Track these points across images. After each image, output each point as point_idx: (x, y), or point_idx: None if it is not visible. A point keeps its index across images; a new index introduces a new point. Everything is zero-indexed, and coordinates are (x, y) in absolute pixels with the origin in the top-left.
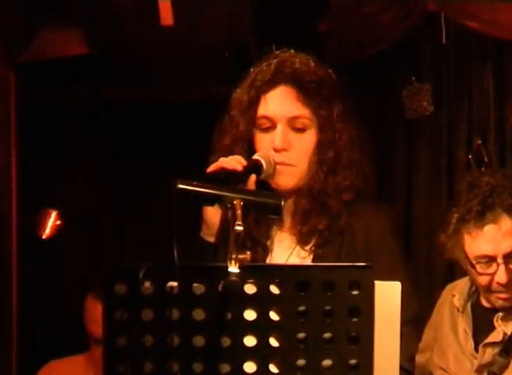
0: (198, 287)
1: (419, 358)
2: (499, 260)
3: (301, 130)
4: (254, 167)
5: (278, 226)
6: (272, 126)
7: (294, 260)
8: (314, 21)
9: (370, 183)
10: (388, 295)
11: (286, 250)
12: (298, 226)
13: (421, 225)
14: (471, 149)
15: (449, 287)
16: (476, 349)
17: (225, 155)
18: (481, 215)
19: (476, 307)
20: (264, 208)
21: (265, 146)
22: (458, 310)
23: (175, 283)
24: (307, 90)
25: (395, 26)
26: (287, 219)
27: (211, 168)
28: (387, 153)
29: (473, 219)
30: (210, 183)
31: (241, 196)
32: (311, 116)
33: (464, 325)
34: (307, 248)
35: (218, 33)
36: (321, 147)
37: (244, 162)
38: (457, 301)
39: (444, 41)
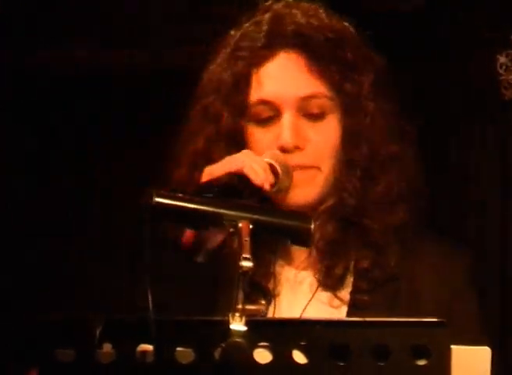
0: (184, 354)
1: None
2: None
3: (319, 117)
4: None
5: (285, 260)
6: (274, 116)
7: (316, 311)
8: None
9: (423, 195)
10: (472, 366)
11: (302, 296)
12: (325, 261)
13: None
14: None
15: None
16: None
17: (198, 165)
18: None
19: None
20: (286, 233)
21: (265, 146)
22: None
23: (149, 348)
24: (321, 55)
25: None
26: (302, 251)
27: (218, 172)
28: (469, 158)
29: None
30: (203, 196)
31: (250, 215)
32: (331, 94)
33: None
34: (341, 293)
35: None
36: (349, 139)
37: (270, 175)
38: None
39: None
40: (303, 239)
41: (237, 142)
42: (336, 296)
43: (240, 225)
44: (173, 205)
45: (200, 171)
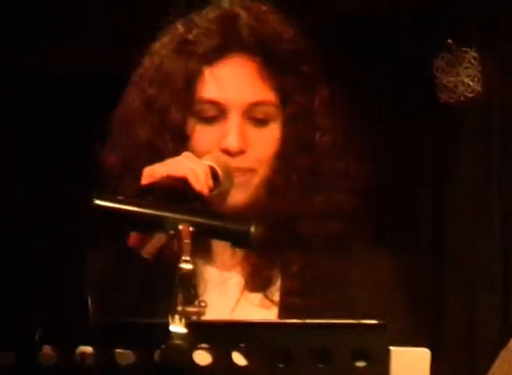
0: (124, 355)
1: None
2: None
3: (263, 122)
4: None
5: (206, 259)
6: (218, 115)
7: (246, 312)
8: None
9: (362, 207)
10: (411, 367)
11: (230, 297)
12: (252, 261)
13: (456, 275)
14: None
15: None
16: None
17: (139, 155)
18: None
19: None
20: (226, 236)
21: (208, 144)
22: None
23: (89, 349)
24: (276, 64)
25: None
26: (224, 250)
27: (157, 175)
28: (408, 158)
29: None
30: (144, 199)
31: (190, 218)
32: (278, 102)
33: None
34: (270, 294)
35: None
36: (290, 148)
37: (210, 179)
38: None
39: None
40: (243, 242)
41: (183, 136)
42: (266, 297)
43: (181, 228)
44: (113, 207)
45: (143, 162)
